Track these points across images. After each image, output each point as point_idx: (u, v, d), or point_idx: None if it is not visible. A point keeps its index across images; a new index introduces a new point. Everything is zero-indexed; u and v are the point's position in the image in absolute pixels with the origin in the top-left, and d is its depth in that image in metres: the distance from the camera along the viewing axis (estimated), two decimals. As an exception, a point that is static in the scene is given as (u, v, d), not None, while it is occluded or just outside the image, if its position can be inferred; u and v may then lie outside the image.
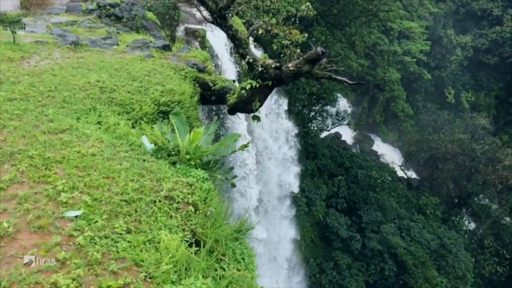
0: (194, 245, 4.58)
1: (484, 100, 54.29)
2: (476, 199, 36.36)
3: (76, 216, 4.39)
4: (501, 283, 34.02)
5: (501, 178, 33.46)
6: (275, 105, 26.21)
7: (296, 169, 28.94)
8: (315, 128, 34.15)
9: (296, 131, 29.06)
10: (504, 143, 38.96)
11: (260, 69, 9.90)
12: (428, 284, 27.16)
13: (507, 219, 35.90)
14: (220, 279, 4.19)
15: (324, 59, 9.64)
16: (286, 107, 28.09)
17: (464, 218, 36.00)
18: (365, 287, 27.73)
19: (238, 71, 17.77)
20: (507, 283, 33.75)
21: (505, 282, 33.78)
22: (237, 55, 16.11)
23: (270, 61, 9.91)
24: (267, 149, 24.67)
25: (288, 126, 28.12)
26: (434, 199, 34.74)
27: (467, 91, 53.87)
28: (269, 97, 25.46)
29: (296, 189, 28.57)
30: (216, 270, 4.29)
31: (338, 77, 9.82)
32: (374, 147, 48.41)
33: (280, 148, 27.17)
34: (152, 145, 6.49)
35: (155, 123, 7.61)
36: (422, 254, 28.20)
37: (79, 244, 4.02)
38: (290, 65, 9.75)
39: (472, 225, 36.47)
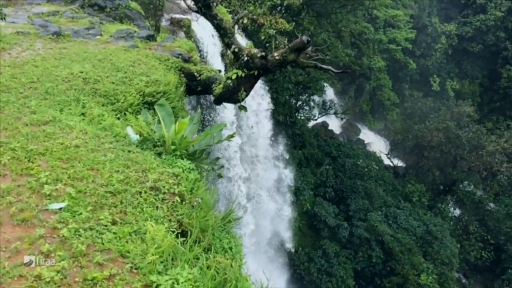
0: (180, 235, 4.57)
1: (469, 88, 54.74)
2: (461, 185, 36.74)
3: (60, 209, 4.34)
4: (486, 268, 34.65)
5: (485, 164, 33.87)
6: (272, 148, 25.37)
7: (289, 216, 28.32)
8: (302, 118, 34.12)
9: (292, 181, 28.48)
10: (488, 130, 39.47)
11: (245, 58, 9.85)
12: (415, 270, 27.52)
13: (492, 205, 36.43)
14: (207, 268, 4.18)
15: (310, 48, 9.63)
16: (287, 155, 27.38)
17: (449, 205, 36.43)
18: (353, 275, 27.99)
19: (224, 61, 17.64)
20: (492, 268, 34.38)
21: (489, 267, 34.40)
22: (222, 45, 16.00)
23: (255, 51, 9.86)
24: (262, 207, 23.96)
25: (286, 174, 27.60)
26: (420, 186, 35.07)
27: (452, 79, 54.22)
28: (266, 141, 23.95)
29: (290, 246, 28.03)
30: (202, 259, 4.28)
31: (324, 66, 9.82)
32: (361, 136, 48.57)
33: (276, 203, 26.54)
34: (137, 136, 6.44)
35: (140, 114, 7.54)
36: (408, 240, 28.54)
37: (64, 236, 3.97)
38: (275, 54, 9.72)
39: (457, 212, 36.96)
